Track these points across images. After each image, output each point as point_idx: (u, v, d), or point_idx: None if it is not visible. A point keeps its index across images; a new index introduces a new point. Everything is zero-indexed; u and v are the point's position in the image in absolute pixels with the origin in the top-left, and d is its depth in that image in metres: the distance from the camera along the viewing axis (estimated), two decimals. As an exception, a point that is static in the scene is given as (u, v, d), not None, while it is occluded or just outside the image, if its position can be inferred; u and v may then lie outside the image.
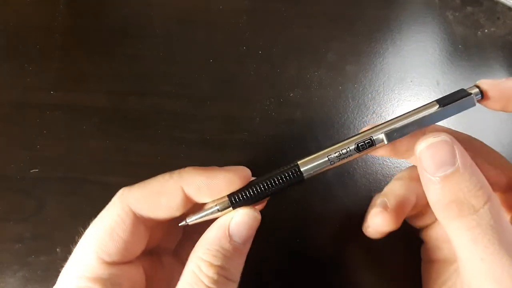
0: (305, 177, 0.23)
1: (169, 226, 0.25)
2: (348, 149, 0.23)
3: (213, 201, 0.23)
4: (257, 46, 0.36)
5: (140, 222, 0.23)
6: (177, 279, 0.22)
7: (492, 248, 0.19)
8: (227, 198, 0.23)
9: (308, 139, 0.33)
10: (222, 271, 0.21)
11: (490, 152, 0.26)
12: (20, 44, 0.35)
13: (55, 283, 0.23)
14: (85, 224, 0.24)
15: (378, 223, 0.25)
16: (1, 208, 0.32)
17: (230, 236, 0.22)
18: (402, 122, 0.23)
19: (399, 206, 0.25)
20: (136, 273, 0.24)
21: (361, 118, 0.34)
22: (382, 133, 0.23)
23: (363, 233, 0.27)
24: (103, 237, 0.22)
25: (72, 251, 0.24)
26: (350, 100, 0.35)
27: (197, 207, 0.24)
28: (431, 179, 0.21)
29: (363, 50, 0.36)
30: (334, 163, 0.23)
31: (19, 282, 0.31)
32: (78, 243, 0.23)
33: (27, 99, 0.33)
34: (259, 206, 0.25)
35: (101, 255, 0.22)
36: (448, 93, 0.23)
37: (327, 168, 0.23)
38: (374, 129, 0.23)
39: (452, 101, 0.23)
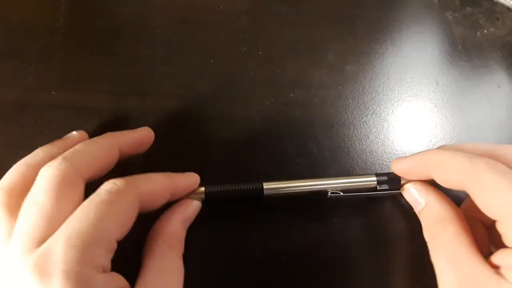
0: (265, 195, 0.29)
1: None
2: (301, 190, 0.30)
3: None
4: (257, 46, 0.36)
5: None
6: None
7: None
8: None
9: (308, 139, 0.33)
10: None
11: None
12: (21, 44, 0.35)
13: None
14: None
15: None
16: (1, 208, 0.32)
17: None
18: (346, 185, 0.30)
19: None
20: None
21: (360, 118, 0.34)
22: (330, 191, 0.30)
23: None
24: None
25: None
26: (350, 100, 0.35)
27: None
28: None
29: (363, 50, 0.36)
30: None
31: (20, 281, 0.31)
32: None
33: (28, 99, 0.34)
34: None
35: None
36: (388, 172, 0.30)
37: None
38: (331, 184, 0.30)
39: (386, 188, 0.30)
